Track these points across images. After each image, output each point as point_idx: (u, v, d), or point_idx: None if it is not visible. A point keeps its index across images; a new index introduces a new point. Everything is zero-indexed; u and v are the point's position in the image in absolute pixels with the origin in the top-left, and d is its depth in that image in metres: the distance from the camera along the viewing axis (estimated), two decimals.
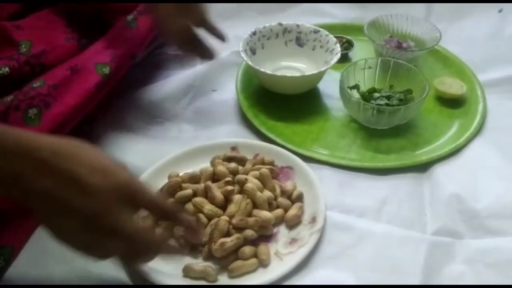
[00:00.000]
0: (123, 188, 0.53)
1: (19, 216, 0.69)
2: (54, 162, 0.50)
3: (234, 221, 0.70)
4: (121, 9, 0.90)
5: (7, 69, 0.73)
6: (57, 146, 0.52)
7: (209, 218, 0.71)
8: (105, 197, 0.51)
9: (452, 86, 0.95)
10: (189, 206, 0.73)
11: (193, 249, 0.70)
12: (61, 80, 0.76)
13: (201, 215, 0.71)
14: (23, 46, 0.77)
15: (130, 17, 0.89)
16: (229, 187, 0.73)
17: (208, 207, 0.72)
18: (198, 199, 0.73)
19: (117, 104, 0.93)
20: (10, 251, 0.68)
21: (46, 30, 0.81)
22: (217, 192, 0.73)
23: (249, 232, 0.70)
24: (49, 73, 0.77)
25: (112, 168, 0.53)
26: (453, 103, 0.95)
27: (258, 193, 0.73)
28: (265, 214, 0.72)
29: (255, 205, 0.73)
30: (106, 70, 0.81)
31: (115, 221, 0.52)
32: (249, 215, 0.72)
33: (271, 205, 0.74)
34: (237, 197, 0.73)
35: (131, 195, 0.53)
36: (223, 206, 0.73)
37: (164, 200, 0.61)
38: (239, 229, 0.70)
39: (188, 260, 0.69)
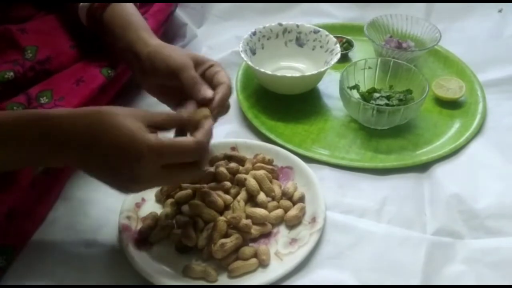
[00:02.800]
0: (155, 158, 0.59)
1: (21, 216, 0.69)
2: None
3: (228, 216, 0.70)
4: None
5: (11, 73, 0.74)
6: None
7: (207, 221, 0.71)
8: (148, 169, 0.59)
9: (450, 89, 0.95)
10: (186, 207, 0.73)
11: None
12: (67, 91, 0.76)
13: (198, 218, 0.71)
14: (29, 51, 0.77)
15: None
16: (228, 197, 0.74)
17: (206, 210, 0.72)
18: (196, 202, 0.73)
19: (118, 104, 0.92)
20: (11, 250, 0.68)
21: (51, 35, 0.81)
22: (218, 198, 0.73)
23: (246, 228, 0.70)
24: (55, 84, 0.76)
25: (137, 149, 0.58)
26: (452, 103, 0.95)
27: (256, 193, 0.74)
28: (261, 211, 0.72)
29: (254, 204, 0.74)
30: (112, 72, 0.81)
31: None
32: (246, 215, 0.72)
33: (268, 207, 0.74)
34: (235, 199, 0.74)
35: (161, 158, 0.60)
36: (222, 211, 0.73)
37: (183, 142, 0.61)
38: (238, 229, 0.70)
39: (188, 260, 0.69)
